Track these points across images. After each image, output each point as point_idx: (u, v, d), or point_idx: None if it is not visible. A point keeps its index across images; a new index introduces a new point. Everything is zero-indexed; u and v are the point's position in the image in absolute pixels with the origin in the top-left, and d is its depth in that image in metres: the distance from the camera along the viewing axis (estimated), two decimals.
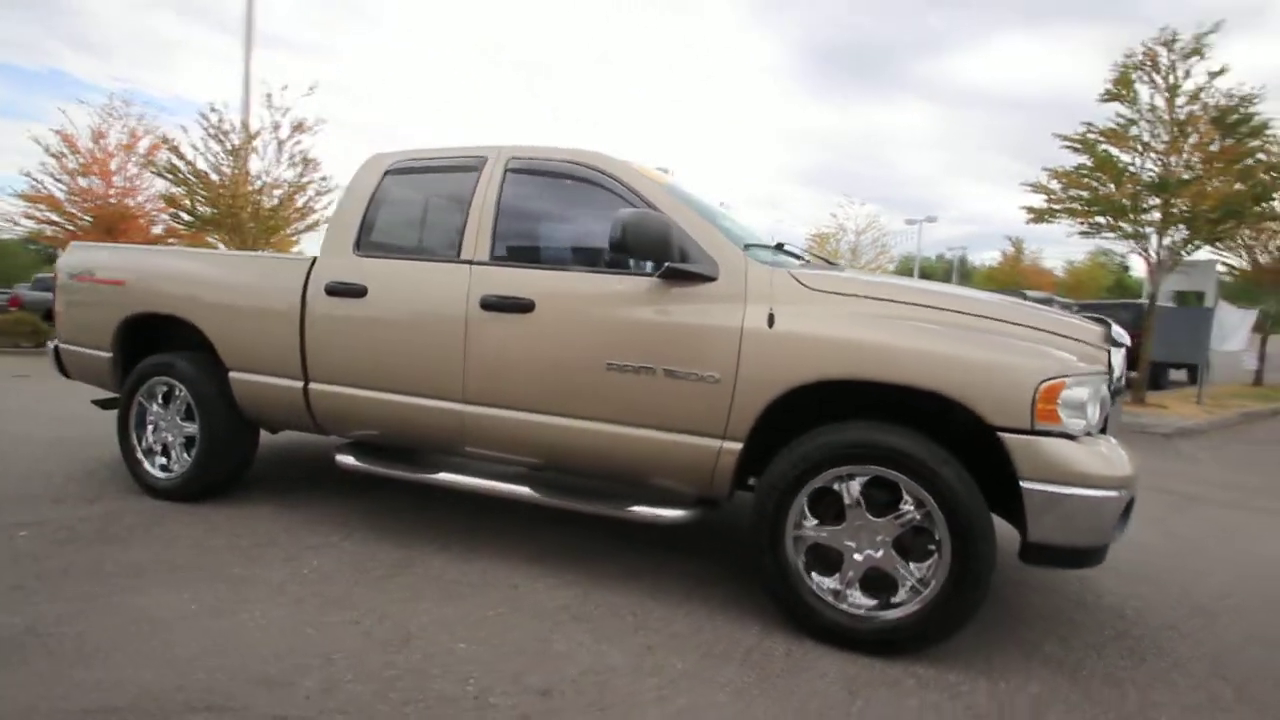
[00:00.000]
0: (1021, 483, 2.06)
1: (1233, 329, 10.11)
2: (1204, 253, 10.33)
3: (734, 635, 2.28)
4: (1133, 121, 8.76)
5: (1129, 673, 2.20)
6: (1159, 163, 8.66)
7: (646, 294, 2.45)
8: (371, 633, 2.14)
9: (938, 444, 2.14)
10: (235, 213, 11.06)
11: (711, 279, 2.39)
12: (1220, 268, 12.09)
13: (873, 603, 2.23)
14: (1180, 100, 8.53)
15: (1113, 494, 2.06)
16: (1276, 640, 2.50)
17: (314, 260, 3.05)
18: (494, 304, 2.62)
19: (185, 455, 3.37)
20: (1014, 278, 36.91)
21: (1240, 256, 12.17)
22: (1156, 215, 8.75)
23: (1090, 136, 9.26)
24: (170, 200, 11.58)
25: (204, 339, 3.24)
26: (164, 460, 3.43)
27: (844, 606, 2.24)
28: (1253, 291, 15.33)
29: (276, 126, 11.03)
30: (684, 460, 2.42)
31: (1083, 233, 10.06)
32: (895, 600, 2.20)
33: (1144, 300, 13.31)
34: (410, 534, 3.05)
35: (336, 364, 2.93)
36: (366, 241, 2.99)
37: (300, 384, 3.04)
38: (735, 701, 1.89)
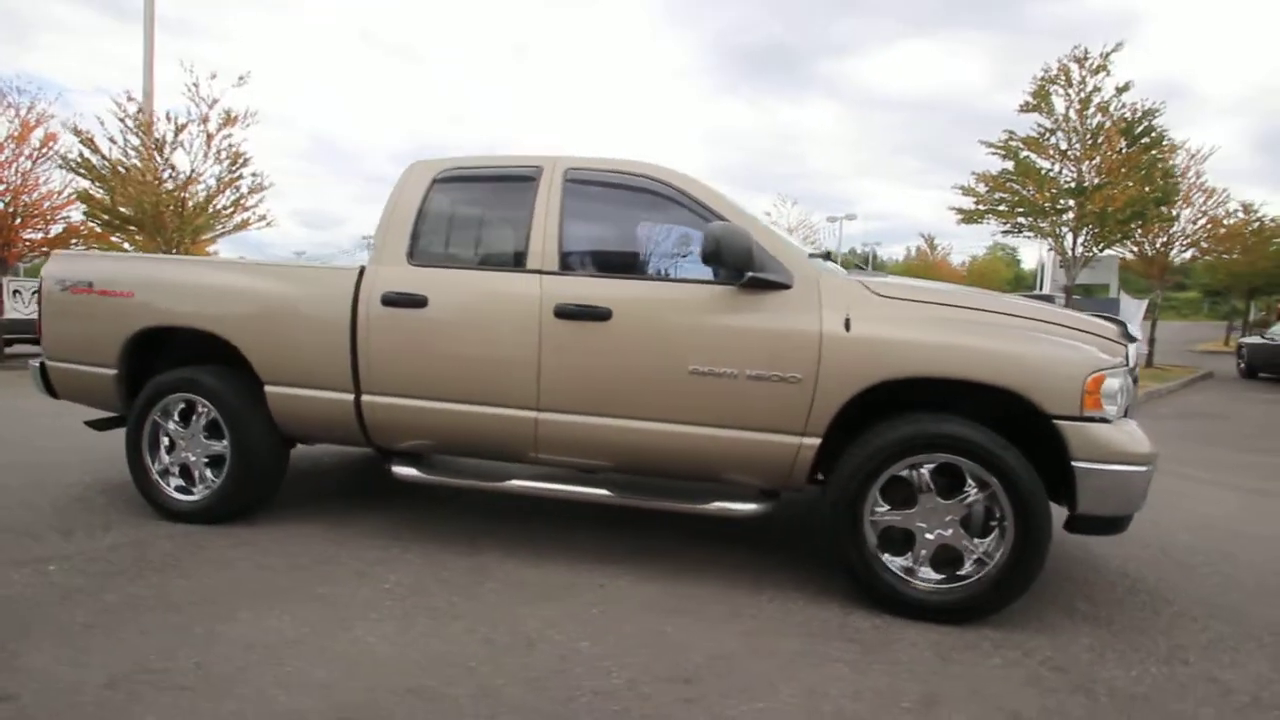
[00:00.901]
0: (1073, 462, 2.36)
1: (1131, 316, 11.39)
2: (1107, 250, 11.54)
3: (820, 616, 2.48)
4: (1051, 131, 9.68)
5: (1150, 621, 2.56)
6: (1074, 169, 9.61)
7: (726, 302, 2.59)
8: (493, 639, 2.19)
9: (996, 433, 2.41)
10: (159, 212, 10.25)
11: (787, 287, 2.56)
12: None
13: (940, 577, 2.49)
14: (1090, 111, 9.50)
15: (1143, 469, 2.40)
16: (1247, 587, 2.96)
17: (361, 270, 2.99)
18: (570, 312, 2.69)
19: (210, 475, 3.21)
20: (926, 271, 39.56)
21: (1131, 252, 13.68)
22: (1072, 216, 9.71)
23: (1013, 144, 10.15)
24: (84, 197, 10.57)
25: (232, 353, 3.11)
26: (180, 481, 3.26)
27: (916, 582, 2.48)
28: (1136, 282, 17.24)
29: (205, 119, 10.29)
30: (765, 456, 2.59)
31: (1005, 231, 11.03)
32: (961, 574, 2.47)
33: (1045, 293, 14.66)
34: (466, 542, 3.06)
35: (395, 375, 2.90)
36: (420, 251, 2.96)
37: (350, 396, 2.98)
38: (854, 673, 2.09)
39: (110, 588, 2.48)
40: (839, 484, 2.51)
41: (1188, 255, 14.47)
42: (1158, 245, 13.10)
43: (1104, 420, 2.38)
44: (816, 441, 2.54)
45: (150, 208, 10.03)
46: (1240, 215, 15.19)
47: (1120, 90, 9.01)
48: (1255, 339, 14.41)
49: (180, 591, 2.47)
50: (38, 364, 3.50)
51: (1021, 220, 10.34)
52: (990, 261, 43.90)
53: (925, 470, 2.45)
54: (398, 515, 3.40)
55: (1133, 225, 9.63)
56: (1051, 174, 9.65)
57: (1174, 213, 12.04)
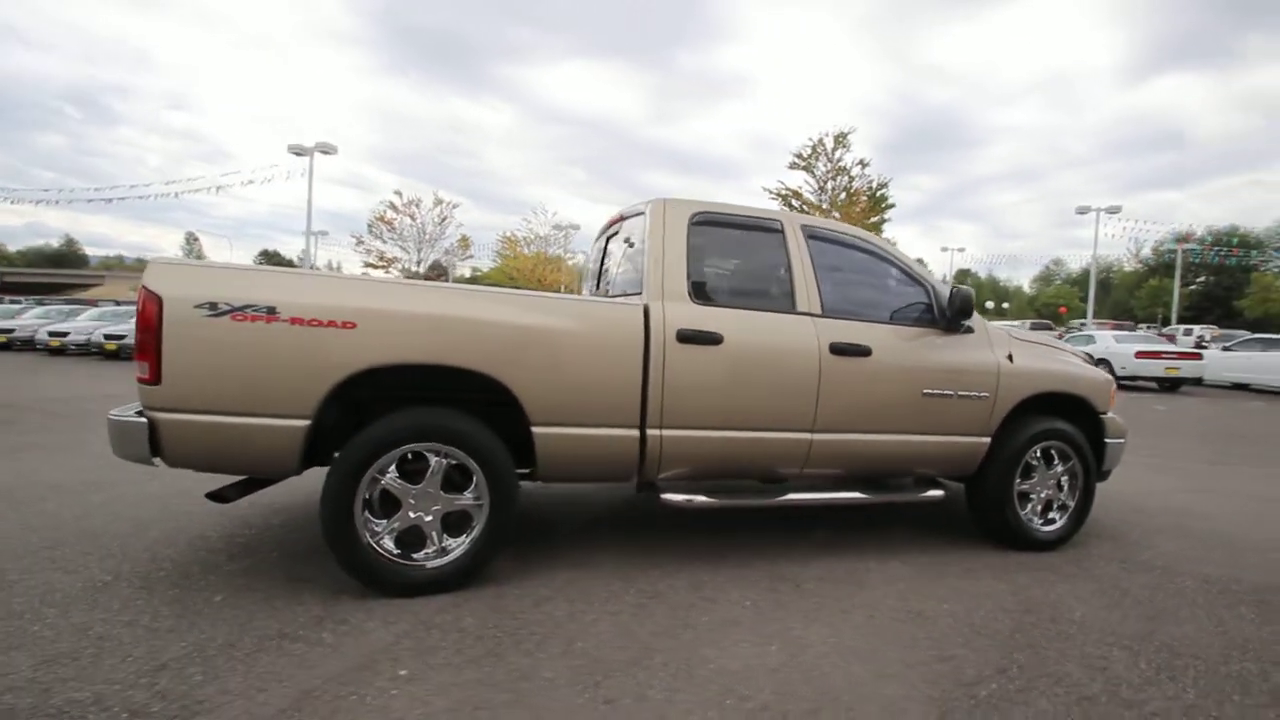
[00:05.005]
0: (1105, 439, 3.92)
1: None
2: None
3: (996, 560, 3.56)
4: (819, 188, 12.66)
5: (1133, 531, 4.29)
6: (832, 218, 12.72)
7: (941, 341, 3.51)
8: (898, 619, 2.74)
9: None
10: None
11: (973, 331, 3.60)
12: None
13: (1043, 521, 3.83)
14: (839, 175, 12.73)
15: (1125, 440, 4.10)
16: (1143, 512, 5.01)
17: (645, 306, 3.04)
18: (844, 349, 3.27)
19: (447, 535, 2.83)
20: None
21: None
22: None
23: (784, 193, 12.93)
24: None
25: (495, 392, 2.82)
26: (394, 548, 2.78)
27: (1035, 527, 3.78)
28: None
29: None
30: (963, 453, 3.58)
31: None
32: (1052, 516, 3.85)
33: None
34: (726, 559, 3.35)
35: (689, 408, 3.04)
36: (700, 289, 3.15)
37: (634, 431, 3.01)
38: (1063, 582, 3.23)
39: (524, 670, 2.24)
40: (1002, 467, 3.64)
41: None
42: None
43: (1110, 413, 4.02)
44: (989, 440, 3.64)
45: None
46: None
47: (863, 165, 12.43)
48: None
49: (596, 649, 2.38)
50: (136, 417, 2.50)
51: None
52: None
53: (1038, 451, 3.76)
54: (623, 546, 3.42)
55: None
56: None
57: None
